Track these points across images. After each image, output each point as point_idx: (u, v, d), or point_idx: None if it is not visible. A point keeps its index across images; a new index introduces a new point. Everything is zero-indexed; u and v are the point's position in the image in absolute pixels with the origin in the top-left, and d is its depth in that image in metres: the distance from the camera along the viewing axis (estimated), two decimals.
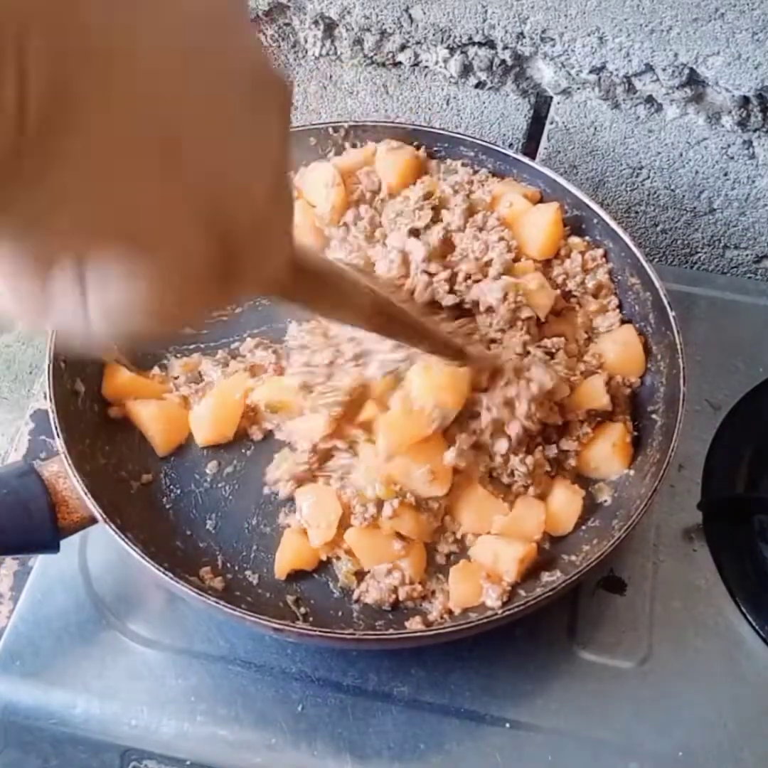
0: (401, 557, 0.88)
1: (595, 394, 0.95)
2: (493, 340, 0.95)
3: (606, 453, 0.94)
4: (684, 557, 0.96)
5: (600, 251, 1.05)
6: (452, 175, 1.08)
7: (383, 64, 1.16)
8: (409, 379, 0.88)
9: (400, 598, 0.88)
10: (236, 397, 0.98)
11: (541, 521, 0.90)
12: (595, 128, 1.17)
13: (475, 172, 1.08)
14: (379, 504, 0.88)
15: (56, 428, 0.87)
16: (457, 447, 0.88)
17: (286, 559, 0.90)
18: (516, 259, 1.00)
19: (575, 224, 1.07)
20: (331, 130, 1.10)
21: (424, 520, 0.89)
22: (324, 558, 0.91)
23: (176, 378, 1.01)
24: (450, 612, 0.88)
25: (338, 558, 0.91)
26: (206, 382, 1.00)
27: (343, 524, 0.90)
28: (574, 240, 1.06)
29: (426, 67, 1.15)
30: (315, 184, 1.07)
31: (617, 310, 1.03)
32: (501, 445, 0.90)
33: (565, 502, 0.92)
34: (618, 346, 0.99)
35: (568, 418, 0.94)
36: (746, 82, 1.03)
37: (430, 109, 1.21)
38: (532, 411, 0.89)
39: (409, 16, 1.08)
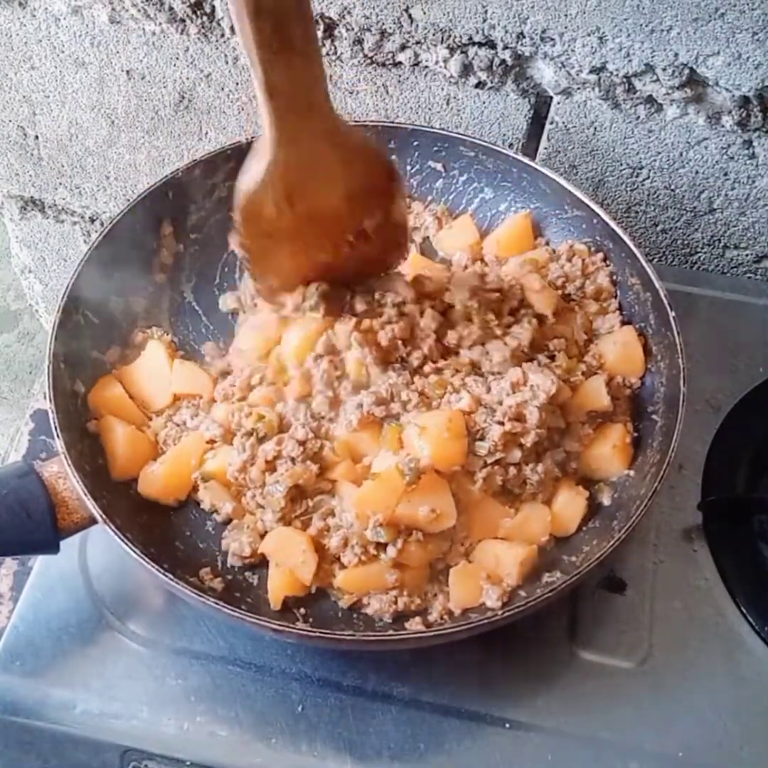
0: (397, 586, 0.87)
1: (595, 395, 0.95)
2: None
3: (606, 454, 0.94)
4: (684, 557, 0.96)
5: (600, 256, 1.05)
6: None
7: (383, 64, 1.16)
8: (403, 439, 0.87)
9: (400, 609, 0.87)
10: (191, 464, 0.94)
11: (547, 523, 0.90)
12: (595, 128, 1.17)
13: None
14: (379, 545, 0.87)
15: (56, 428, 0.87)
16: (479, 487, 0.88)
17: (277, 591, 0.88)
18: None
19: (575, 225, 1.07)
20: None
21: (432, 548, 0.88)
22: (313, 590, 0.89)
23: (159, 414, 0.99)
24: (450, 613, 0.88)
25: (331, 586, 0.89)
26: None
27: (328, 560, 0.89)
28: (579, 246, 1.06)
29: (426, 67, 1.15)
30: None
31: (617, 312, 1.03)
32: (514, 455, 0.89)
33: (569, 504, 0.91)
34: (618, 347, 0.99)
35: (569, 420, 0.94)
36: (746, 82, 1.03)
37: (430, 109, 1.21)
38: (543, 418, 0.89)
39: (409, 16, 1.08)
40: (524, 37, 1.06)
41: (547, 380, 0.90)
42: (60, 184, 1.48)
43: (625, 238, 1.01)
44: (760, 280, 1.31)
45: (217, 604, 0.79)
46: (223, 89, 1.26)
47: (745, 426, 1.05)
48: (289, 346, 0.95)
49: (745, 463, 1.02)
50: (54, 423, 0.87)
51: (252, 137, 1.08)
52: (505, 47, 1.08)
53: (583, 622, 0.92)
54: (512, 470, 0.89)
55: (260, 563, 0.91)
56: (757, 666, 0.90)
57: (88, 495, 0.83)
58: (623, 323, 1.02)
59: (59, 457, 0.86)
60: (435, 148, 1.10)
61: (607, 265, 1.05)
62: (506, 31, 1.06)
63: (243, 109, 1.29)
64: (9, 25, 1.26)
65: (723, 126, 1.11)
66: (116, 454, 0.94)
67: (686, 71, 1.04)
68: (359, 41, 1.14)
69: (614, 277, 1.05)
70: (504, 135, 1.22)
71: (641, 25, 1.01)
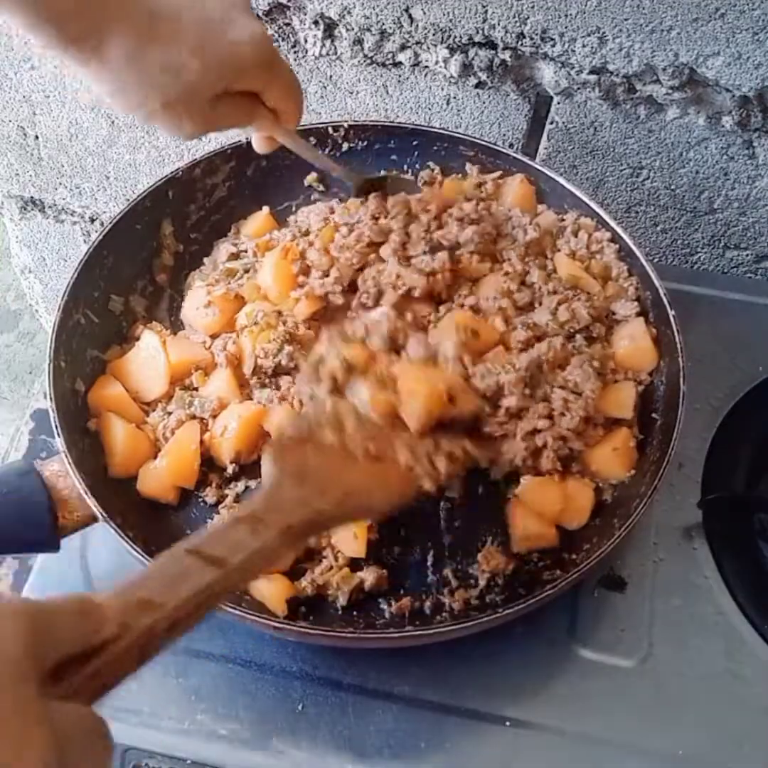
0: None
1: (621, 404, 0.94)
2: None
3: (607, 456, 0.93)
4: (684, 556, 0.96)
5: (607, 234, 1.02)
6: None
7: (383, 64, 1.17)
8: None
9: (402, 605, 0.87)
10: (192, 449, 0.94)
11: (559, 499, 0.90)
12: (595, 128, 1.17)
13: None
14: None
15: (56, 428, 0.87)
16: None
17: (281, 600, 0.87)
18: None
19: None
20: (331, 130, 1.10)
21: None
22: (311, 593, 0.88)
23: (155, 406, 0.98)
24: (451, 610, 0.88)
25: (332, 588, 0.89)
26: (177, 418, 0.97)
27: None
28: (584, 220, 1.04)
29: (426, 67, 1.15)
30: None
31: (636, 302, 1.00)
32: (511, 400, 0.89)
33: (577, 495, 0.91)
34: (627, 342, 0.97)
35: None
36: (746, 82, 1.03)
37: (430, 109, 1.21)
38: (581, 428, 0.89)
39: (409, 16, 1.08)
40: (524, 37, 1.06)
41: (593, 387, 0.89)
42: (60, 184, 1.48)
43: (626, 237, 1.01)
44: (760, 280, 1.31)
45: None
46: None
47: (745, 425, 1.05)
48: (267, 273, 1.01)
49: (745, 461, 1.02)
50: (54, 422, 0.87)
51: (252, 137, 1.08)
52: (505, 47, 1.09)
53: (583, 621, 0.92)
54: (501, 414, 0.89)
55: None
56: (757, 665, 0.90)
57: (88, 493, 0.83)
58: (638, 314, 1.00)
59: (60, 455, 0.86)
60: (435, 148, 1.10)
61: (614, 243, 1.02)
62: (506, 31, 1.06)
63: None
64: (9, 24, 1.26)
65: (723, 126, 1.11)
66: (114, 450, 0.94)
67: (686, 71, 1.05)
68: (359, 41, 1.14)
69: (622, 254, 1.02)
70: (504, 135, 1.22)
71: (641, 25, 1.01)
